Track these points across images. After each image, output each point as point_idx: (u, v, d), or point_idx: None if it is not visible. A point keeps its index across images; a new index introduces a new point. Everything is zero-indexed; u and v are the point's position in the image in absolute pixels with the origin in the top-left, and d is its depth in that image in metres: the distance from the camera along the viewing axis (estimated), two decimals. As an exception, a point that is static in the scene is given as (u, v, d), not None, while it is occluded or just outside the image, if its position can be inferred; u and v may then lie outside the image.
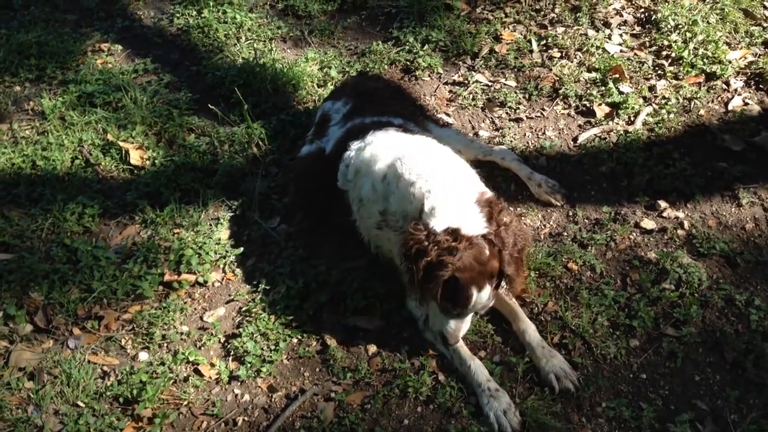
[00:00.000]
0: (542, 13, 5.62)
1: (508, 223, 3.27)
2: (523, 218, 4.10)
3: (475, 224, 3.21)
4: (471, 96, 5.01)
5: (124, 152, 4.77)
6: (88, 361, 3.65)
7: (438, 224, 3.19)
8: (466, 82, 5.14)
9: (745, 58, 4.91)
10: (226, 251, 4.15)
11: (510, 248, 3.21)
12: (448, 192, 3.29)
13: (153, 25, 6.13)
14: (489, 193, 3.39)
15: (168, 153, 4.77)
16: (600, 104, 4.74)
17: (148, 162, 4.72)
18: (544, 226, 4.10)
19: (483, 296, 3.18)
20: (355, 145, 3.77)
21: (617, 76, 4.85)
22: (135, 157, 4.72)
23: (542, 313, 3.64)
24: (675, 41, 5.06)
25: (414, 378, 3.38)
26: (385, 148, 3.59)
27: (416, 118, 4.26)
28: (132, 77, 5.48)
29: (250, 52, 5.56)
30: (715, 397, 3.23)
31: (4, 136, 5.06)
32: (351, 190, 3.73)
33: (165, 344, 3.75)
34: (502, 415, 3.19)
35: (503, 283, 3.32)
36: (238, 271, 4.08)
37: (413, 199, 3.33)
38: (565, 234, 4.01)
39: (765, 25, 5.15)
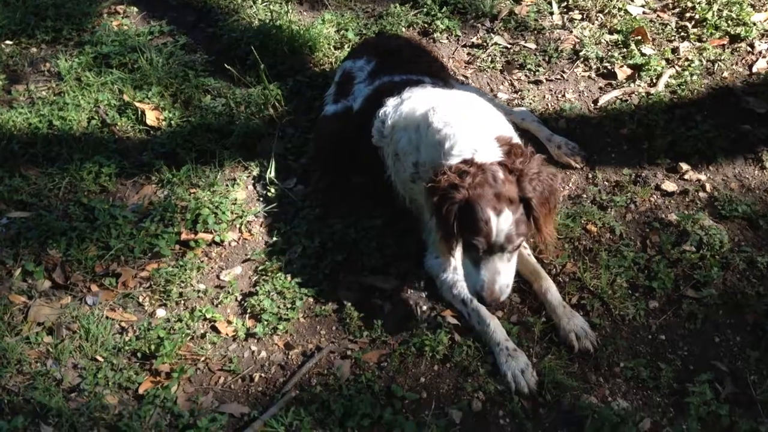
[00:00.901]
0: (563, -26, 5.53)
1: (534, 168, 3.16)
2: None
3: (490, 154, 3.17)
4: (490, 58, 4.95)
5: (140, 113, 4.76)
6: (106, 317, 3.66)
7: (454, 160, 3.18)
8: (484, 44, 5.07)
9: (770, 20, 4.82)
10: (243, 211, 4.14)
11: (532, 177, 3.11)
12: (470, 133, 3.26)
13: (169, -13, 6.09)
14: (516, 139, 3.34)
15: (184, 114, 4.75)
16: (621, 66, 4.67)
17: (164, 123, 4.71)
18: (564, 188, 4.05)
19: (503, 222, 3.04)
20: (391, 101, 3.72)
21: (639, 37, 4.77)
22: (151, 118, 4.71)
23: (560, 274, 3.62)
24: (699, 3, 4.97)
25: (431, 337, 3.36)
26: (423, 101, 3.54)
27: (442, 75, 4.24)
28: (148, 39, 5.46)
29: (266, 14, 5.50)
30: (734, 359, 3.20)
31: (20, 96, 5.06)
32: (386, 146, 3.70)
33: (182, 301, 3.75)
34: (519, 374, 3.17)
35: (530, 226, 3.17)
36: (254, 230, 4.08)
37: (439, 147, 3.29)
38: (585, 196, 3.97)
39: (791, -13, 5.04)
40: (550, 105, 4.55)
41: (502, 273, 3.14)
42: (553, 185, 3.24)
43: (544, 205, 3.16)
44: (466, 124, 3.30)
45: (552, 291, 3.43)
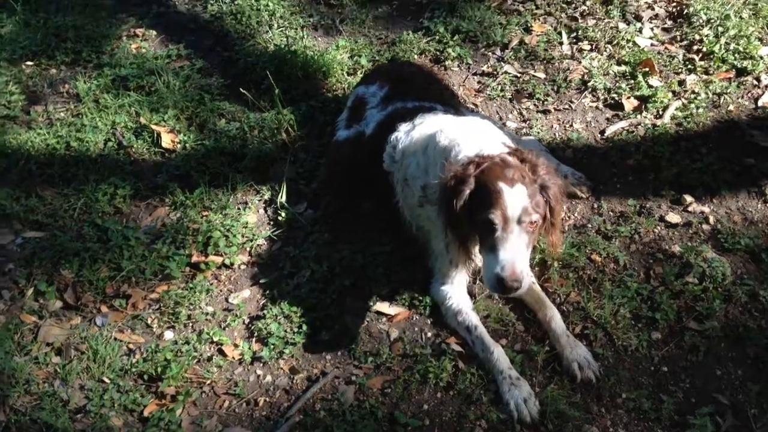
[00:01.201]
0: (573, 5, 5.60)
1: (546, 164, 3.20)
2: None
3: (496, 150, 3.23)
4: (499, 87, 5.02)
5: (155, 135, 4.85)
6: (115, 339, 3.73)
7: (460, 162, 3.24)
8: (495, 72, 5.15)
9: (778, 54, 4.86)
10: (253, 234, 4.21)
11: (547, 170, 3.16)
12: (475, 140, 3.34)
13: (187, 12, 6.23)
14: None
15: (199, 137, 4.84)
16: (629, 97, 4.72)
17: (179, 145, 4.80)
18: (569, 217, 4.10)
19: (517, 193, 3.02)
20: (403, 127, 3.77)
21: (647, 69, 4.82)
22: (166, 140, 4.80)
23: (564, 303, 3.65)
24: (706, 36, 5.02)
25: (435, 364, 3.40)
26: (433, 126, 3.59)
27: (453, 103, 4.30)
28: (165, 62, 5.57)
29: (281, 40, 5.61)
30: (736, 392, 3.21)
31: (39, 117, 5.17)
32: (397, 171, 3.75)
33: (190, 324, 3.82)
34: (522, 403, 3.19)
35: (546, 213, 3.16)
36: (264, 254, 4.14)
37: (444, 160, 3.33)
38: (590, 226, 4.01)
39: (799, 21, 5.09)
40: (557, 134, 4.61)
41: (522, 254, 3.06)
42: (563, 185, 3.29)
43: (558, 201, 3.19)
44: (471, 136, 3.38)
45: (556, 320, 3.46)
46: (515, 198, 3.02)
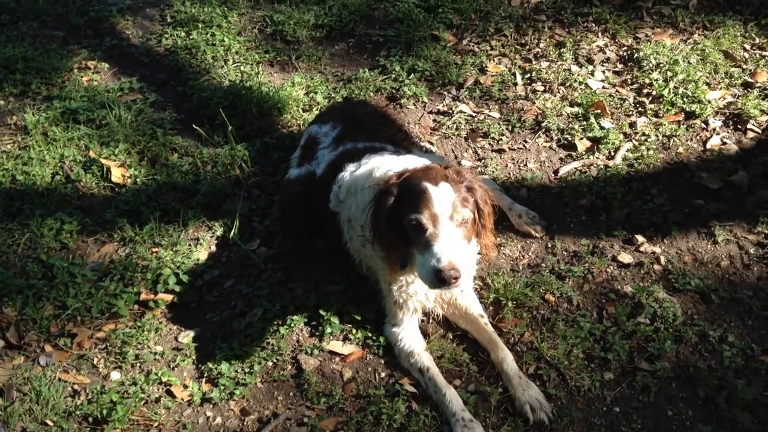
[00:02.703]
0: (527, 47, 5.70)
1: (471, 173, 3.26)
2: (502, 248, 4.12)
3: (418, 162, 3.30)
4: (455, 125, 5.06)
5: (105, 169, 4.76)
6: (59, 379, 3.61)
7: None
8: (450, 111, 5.19)
9: (724, 98, 4.98)
10: (205, 272, 4.13)
11: (472, 176, 3.22)
12: (400, 162, 3.42)
13: (141, 45, 6.17)
14: None
15: (150, 172, 4.76)
16: (581, 138, 4.79)
17: (129, 180, 4.71)
18: (523, 256, 4.12)
19: (443, 190, 3.03)
20: (350, 167, 3.77)
21: (599, 111, 4.92)
22: (116, 175, 4.71)
23: (518, 343, 3.64)
24: (656, 80, 5.14)
25: (388, 405, 3.36)
26: (374, 166, 3.58)
27: (404, 144, 4.30)
28: (117, 95, 5.50)
29: (236, 75, 5.59)
30: (687, 433, 3.24)
31: (-15, 149, 5.04)
32: (342, 212, 3.72)
33: (138, 364, 3.71)
34: (475, 445, 3.17)
35: (475, 216, 3.18)
36: (215, 292, 4.06)
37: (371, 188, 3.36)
38: (544, 265, 4.03)
39: (744, 66, 5.24)
40: (512, 174, 4.65)
41: (457, 246, 3.02)
42: (489, 190, 3.32)
43: (486, 202, 3.23)
44: (402, 164, 3.41)
45: (508, 361, 3.44)
46: (441, 194, 3.02)
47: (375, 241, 3.30)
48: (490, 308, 3.79)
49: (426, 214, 3.00)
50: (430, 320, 3.72)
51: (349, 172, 3.72)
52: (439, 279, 2.94)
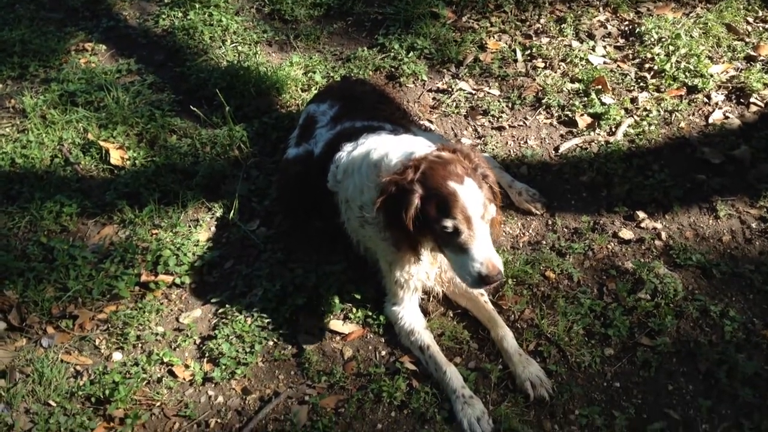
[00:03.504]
0: (527, 23, 5.65)
1: (477, 153, 3.20)
2: (502, 226, 4.11)
3: (427, 150, 3.20)
4: (454, 103, 5.03)
5: (104, 152, 4.75)
6: (61, 361, 3.62)
7: (392, 169, 3.18)
8: (449, 89, 5.15)
9: (727, 72, 4.94)
10: (205, 253, 4.13)
11: (480, 159, 3.18)
12: (404, 146, 3.32)
13: (138, 26, 6.13)
14: None
15: (149, 154, 4.75)
16: (582, 115, 4.76)
17: (128, 162, 4.70)
18: (524, 234, 4.10)
19: (469, 189, 2.98)
20: (347, 147, 3.71)
21: (600, 87, 4.88)
22: (115, 157, 4.70)
23: (519, 320, 3.64)
24: (658, 54, 5.10)
25: (389, 383, 3.37)
26: (371, 146, 3.53)
27: (403, 123, 4.26)
28: (115, 77, 5.47)
29: (234, 55, 5.56)
30: (687, 407, 3.23)
31: (-17, 133, 5.04)
32: (340, 191, 3.68)
33: (139, 345, 3.72)
34: (475, 422, 3.17)
35: (490, 200, 3.09)
36: (215, 272, 4.06)
37: (376, 175, 3.28)
38: (544, 242, 4.02)
39: (747, 40, 5.19)
40: (512, 151, 4.62)
41: (491, 245, 3.04)
42: (492, 169, 3.30)
43: (497, 184, 3.22)
44: (400, 146, 3.35)
45: (508, 339, 3.45)
46: (471, 196, 2.98)
47: (390, 236, 3.24)
48: (490, 286, 3.78)
49: (460, 217, 2.96)
50: (431, 299, 3.72)
51: (346, 152, 3.68)
52: (485, 282, 2.99)
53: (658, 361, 3.39)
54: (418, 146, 3.32)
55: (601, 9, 5.67)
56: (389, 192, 3.09)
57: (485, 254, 2.97)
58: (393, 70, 5.37)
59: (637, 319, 3.57)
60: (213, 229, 4.32)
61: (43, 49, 5.75)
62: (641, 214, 4.06)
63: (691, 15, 5.48)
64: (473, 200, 2.97)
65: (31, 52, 5.72)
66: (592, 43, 5.37)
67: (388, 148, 3.37)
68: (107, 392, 3.42)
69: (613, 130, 4.63)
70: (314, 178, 3.80)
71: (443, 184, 2.99)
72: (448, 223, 2.96)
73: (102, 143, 4.78)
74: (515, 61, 5.32)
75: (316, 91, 5.00)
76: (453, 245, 3.03)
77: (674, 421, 3.17)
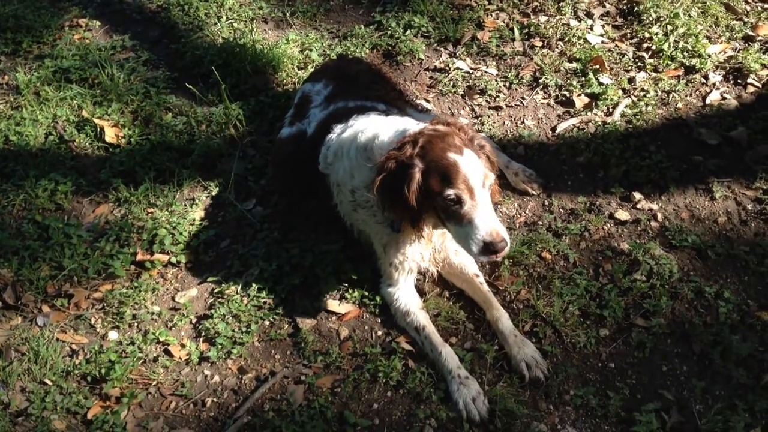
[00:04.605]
0: (525, 1, 5.61)
1: (470, 129, 3.20)
2: (499, 206, 4.10)
3: (421, 125, 3.20)
4: (451, 83, 5.00)
5: (99, 129, 4.72)
6: (57, 339, 3.63)
7: (386, 148, 3.17)
8: (447, 68, 5.12)
9: (725, 52, 4.92)
10: (201, 232, 4.12)
11: (474, 131, 3.17)
12: (395, 124, 3.32)
13: (132, 2, 6.08)
14: None
15: (144, 132, 4.72)
16: (579, 95, 4.74)
17: (123, 140, 4.67)
18: (520, 214, 4.10)
19: (472, 162, 2.97)
20: (337, 129, 3.68)
21: (597, 66, 4.85)
22: (110, 135, 4.67)
23: (514, 301, 3.65)
24: (656, 34, 5.07)
25: (385, 363, 3.38)
26: (360, 128, 3.50)
27: (398, 103, 4.22)
28: (109, 54, 5.42)
29: (230, 32, 5.51)
30: (681, 388, 3.25)
31: (-23, 110, 5.00)
32: (331, 174, 3.65)
33: (135, 324, 3.72)
34: (471, 402, 3.19)
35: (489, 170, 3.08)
36: (211, 252, 4.06)
37: (368, 158, 3.27)
38: (540, 223, 4.02)
39: (746, 19, 5.17)
40: (509, 131, 4.61)
41: (494, 214, 3.02)
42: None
43: (494, 154, 3.21)
44: (389, 126, 3.33)
45: (503, 320, 3.45)
46: (471, 164, 2.97)
47: (392, 214, 3.23)
48: (486, 267, 3.79)
49: (463, 187, 2.95)
50: (426, 279, 3.72)
51: (336, 134, 3.65)
52: (492, 250, 2.95)
53: (652, 342, 3.41)
54: (409, 124, 3.31)
55: (599, -13, 5.64)
56: (388, 169, 3.06)
57: (489, 223, 2.95)
58: (390, 48, 5.33)
59: (633, 300, 3.58)
60: (209, 208, 4.31)
61: (36, 24, 5.69)
62: (637, 195, 4.06)
63: (690, -6, 5.45)
64: (474, 170, 2.97)
65: (25, 27, 5.66)
66: (590, 22, 5.34)
67: (377, 129, 3.35)
68: (103, 371, 3.43)
69: (611, 110, 4.61)
70: (307, 159, 3.78)
71: (443, 156, 2.98)
72: (451, 194, 2.95)
73: (97, 121, 4.74)
74: (513, 39, 5.29)
75: (312, 70, 4.96)
76: (456, 217, 3.01)
77: (668, 402, 3.19)
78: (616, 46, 5.11)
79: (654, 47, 4.99)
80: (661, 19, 5.17)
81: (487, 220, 2.96)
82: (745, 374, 3.23)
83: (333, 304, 3.69)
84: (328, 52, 5.32)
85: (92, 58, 5.28)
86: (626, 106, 4.60)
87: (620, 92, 4.71)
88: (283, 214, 4.17)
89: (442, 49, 5.32)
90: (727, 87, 4.67)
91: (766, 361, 3.28)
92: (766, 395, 3.15)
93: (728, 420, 3.07)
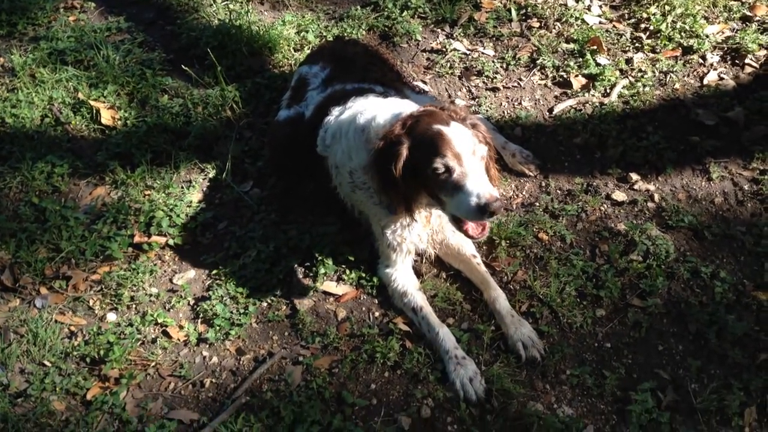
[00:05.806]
0: (523, -19, 5.58)
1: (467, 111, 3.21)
2: (496, 188, 4.09)
3: (414, 108, 3.22)
4: (448, 64, 4.98)
5: (95, 111, 4.71)
6: (55, 321, 3.64)
7: (381, 129, 3.20)
8: (444, 49, 5.10)
9: (723, 32, 4.91)
10: (198, 214, 4.12)
11: (470, 113, 3.20)
12: (391, 107, 3.33)
13: (127, -17, 6.03)
14: None
15: (140, 114, 4.71)
16: (577, 75, 4.73)
17: (119, 122, 4.66)
18: (517, 195, 4.11)
19: (456, 130, 2.98)
20: (335, 111, 3.68)
21: (595, 47, 4.84)
22: (106, 117, 4.66)
23: (511, 281, 3.66)
24: (653, 14, 5.05)
25: (382, 343, 3.39)
26: (358, 110, 3.50)
27: (395, 85, 4.21)
28: (105, 35, 5.39)
29: (226, 13, 5.48)
30: (677, 367, 3.27)
31: (-28, 92, 4.98)
32: (330, 156, 3.65)
33: (133, 306, 3.73)
34: (468, 382, 3.20)
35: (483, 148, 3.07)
36: (209, 234, 4.06)
37: (365, 140, 3.28)
38: (537, 204, 4.02)
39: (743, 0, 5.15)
40: (506, 112, 4.60)
41: (485, 177, 3.00)
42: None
43: (489, 135, 3.20)
44: (387, 108, 3.34)
45: (500, 300, 3.47)
46: (458, 134, 2.97)
47: (384, 195, 3.23)
48: (484, 248, 3.80)
49: (450, 154, 2.93)
50: (423, 260, 3.73)
51: (334, 116, 3.64)
52: (487, 212, 2.89)
53: (648, 321, 3.42)
54: (406, 107, 3.32)
55: (597, -33, 5.60)
56: (378, 148, 3.09)
57: (480, 186, 2.92)
58: (387, 29, 5.31)
59: (629, 281, 3.59)
60: (206, 190, 4.30)
61: (31, 6, 5.65)
62: (634, 176, 4.07)
63: (688, -26, 5.42)
64: (460, 138, 2.96)
65: (20, 9, 5.62)
66: (587, 2, 5.32)
67: (375, 111, 3.36)
68: (102, 352, 3.45)
69: (608, 91, 4.60)
70: (305, 141, 3.77)
71: (428, 128, 3.00)
72: (439, 163, 2.94)
73: (92, 103, 4.73)
74: (510, 20, 5.26)
75: (308, 52, 4.93)
76: (447, 187, 2.99)
77: (664, 381, 3.21)
78: (614, 26, 5.09)
79: (652, 28, 4.98)
80: (659, -1, 5.16)
81: (478, 184, 2.93)
82: (741, 353, 3.25)
83: (330, 286, 3.70)
84: (324, 34, 5.29)
85: (87, 39, 5.25)
86: (623, 87, 4.59)
87: (617, 73, 4.70)
88: (281, 196, 4.17)
89: (439, 30, 5.29)
90: (725, 67, 4.67)
91: (761, 340, 3.30)
92: (761, 374, 3.17)
93: (723, 399, 3.10)
